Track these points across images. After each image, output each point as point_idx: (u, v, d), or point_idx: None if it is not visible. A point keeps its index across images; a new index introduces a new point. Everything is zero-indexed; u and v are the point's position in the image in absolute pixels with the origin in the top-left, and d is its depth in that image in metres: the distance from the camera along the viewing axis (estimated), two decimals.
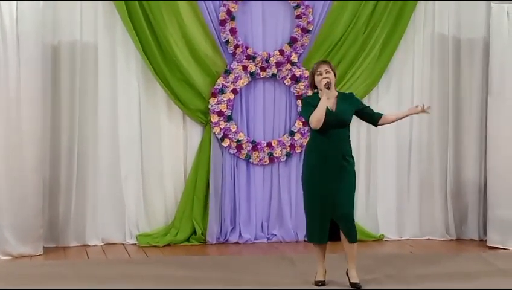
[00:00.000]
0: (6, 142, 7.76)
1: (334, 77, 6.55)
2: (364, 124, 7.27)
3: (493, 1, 8.62)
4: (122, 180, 8.56)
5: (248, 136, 8.76)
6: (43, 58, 7.99)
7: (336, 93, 6.60)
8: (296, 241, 8.73)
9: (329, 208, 6.45)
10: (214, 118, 8.61)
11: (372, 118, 6.74)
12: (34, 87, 7.84)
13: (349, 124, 6.60)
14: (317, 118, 6.38)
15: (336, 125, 6.48)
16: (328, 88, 6.44)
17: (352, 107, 6.62)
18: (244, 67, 8.67)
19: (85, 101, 8.40)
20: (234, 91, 8.66)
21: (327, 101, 6.43)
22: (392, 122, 6.84)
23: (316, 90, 6.62)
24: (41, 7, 7.87)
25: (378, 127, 6.91)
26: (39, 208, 7.93)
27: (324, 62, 6.62)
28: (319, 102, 6.43)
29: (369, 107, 6.82)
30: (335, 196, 6.44)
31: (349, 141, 6.60)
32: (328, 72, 6.50)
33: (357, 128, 8.55)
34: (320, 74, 6.50)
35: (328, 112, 6.42)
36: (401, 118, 6.85)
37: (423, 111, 6.72)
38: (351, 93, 6.79)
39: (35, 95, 7.85)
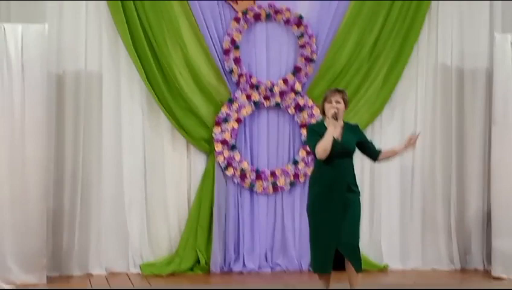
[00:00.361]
0: (10, 171, 7.75)
1: (345, 108, 6.55)
2: None
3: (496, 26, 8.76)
4: (126, 209, 8.52)
5: (252, 165, 8.75)
6: (48, 86, 7.99)
7: (342, 123, 6.61)
8: (300, 271, 8.68)
9: (334, 238, 6.43)
10: (218, 147, 8.61)
11: (373, 153, 6.74)
12: (39, 115, 7.84)
13: (353, 154, 6.60)
14: (323, 148, 6.37)
15: (342, 155, 6.48)
16: (336, 119, 6.45)
17: (356, 137, 6.63)
18: (248, 96, 8.68)
19: (89, 129, 8.38)
20: (238, 120, 8.67)
21: (333, 131, 6.44)
22: (391, 157, 6.83)
23: (322, 118, 6.63)
24: (46, 36, 7.87)
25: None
26: (43, 237, 7.89)
27: (338, 91, 6.60)
28: (324, 130, 6.43)
29: (371, 142, 6.80)
30: (340, 225, 6.42)
31: (354, 170, 6.60)
32: (339, 102, 6.51)
33: (361, 158, 8.52)
34: (330, 103, 6.51)
35: (334, 142, 6.41)
36: (398, 153, 6.81)
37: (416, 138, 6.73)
38: (357, 125, 6.80)
39: (40, 123, 7.85)
